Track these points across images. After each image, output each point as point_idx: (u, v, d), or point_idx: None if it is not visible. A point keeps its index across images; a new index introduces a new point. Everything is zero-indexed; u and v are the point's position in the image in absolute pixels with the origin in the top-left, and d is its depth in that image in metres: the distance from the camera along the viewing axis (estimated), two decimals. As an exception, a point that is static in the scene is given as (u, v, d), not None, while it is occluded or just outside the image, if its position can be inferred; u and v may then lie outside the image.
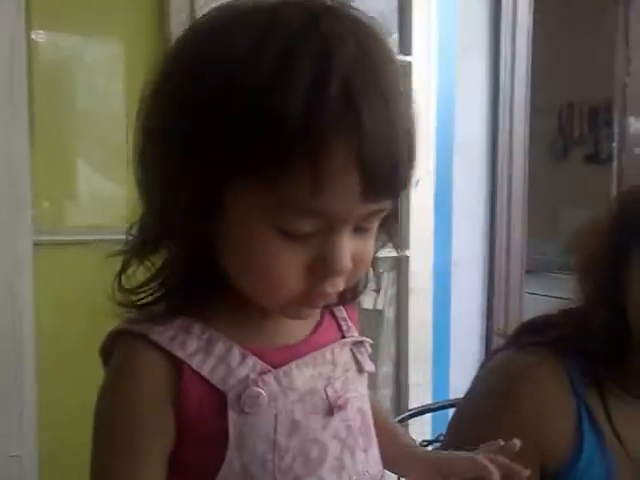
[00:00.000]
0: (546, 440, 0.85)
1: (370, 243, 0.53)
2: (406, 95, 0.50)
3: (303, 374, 0.55)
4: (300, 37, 0.46)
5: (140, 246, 0.53)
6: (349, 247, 0.50)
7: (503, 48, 2.09)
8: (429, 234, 1.94)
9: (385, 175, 0.48)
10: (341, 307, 0.63)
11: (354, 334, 0.62)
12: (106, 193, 1.61)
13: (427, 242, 1.93)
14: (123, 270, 0.53)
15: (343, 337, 0.62)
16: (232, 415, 0.51)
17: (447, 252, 2.01)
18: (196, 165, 0.48)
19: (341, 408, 0.57)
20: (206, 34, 0.50)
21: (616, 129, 2.44)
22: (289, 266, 0.49)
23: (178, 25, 1.58)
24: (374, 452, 0.61)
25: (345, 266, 0.50)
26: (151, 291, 0.53)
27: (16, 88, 1.40)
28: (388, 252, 0.64)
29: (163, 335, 0.51)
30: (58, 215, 1.55)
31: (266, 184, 0.46)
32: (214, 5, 0.52)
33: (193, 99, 0.48)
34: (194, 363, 0.51)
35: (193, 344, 0.52)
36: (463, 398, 0.95)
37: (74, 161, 1.59)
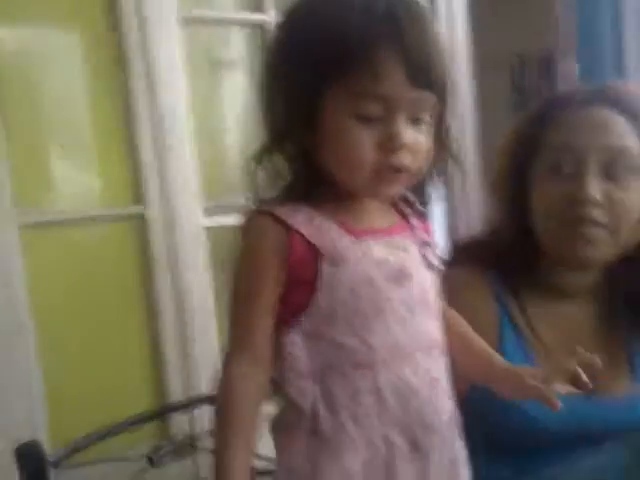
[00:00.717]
0: None
1: (423, 136, 0.72)
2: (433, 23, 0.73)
3: (380, 249, 0.74)
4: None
5: (267, 150, 0.75)
6: (405, 128, 0.70)
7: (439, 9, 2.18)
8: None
9: (423, 67, 0.69)
10: (414, 216, 0.80)
11: (424, 237, 0.80)
12: (75, 177, 1.70)
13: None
14: (256, 168, 0.75)
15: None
16: (324, 266, 0.71)
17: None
18: (304, 83, 0.70)
19: (408, 279, 0.74)
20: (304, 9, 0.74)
21: (561, 77, 2.54)
22: (365, 143, 0.70)
23: (128, 12, 1.67)
24: (435, 325, 0.77)
25: (404, 141, 0.70)
26: (273, 189, 0.76)
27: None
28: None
29: (281, 211, 0.72)
30: (36, 199, 1.64)
31: (344, 84, 0.68)
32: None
33: (299, 43, 0.71)
34: (301, 228, 0.72)
35: (300, 217, 0.72)
36: None
37: (47, 148, 1.67)
